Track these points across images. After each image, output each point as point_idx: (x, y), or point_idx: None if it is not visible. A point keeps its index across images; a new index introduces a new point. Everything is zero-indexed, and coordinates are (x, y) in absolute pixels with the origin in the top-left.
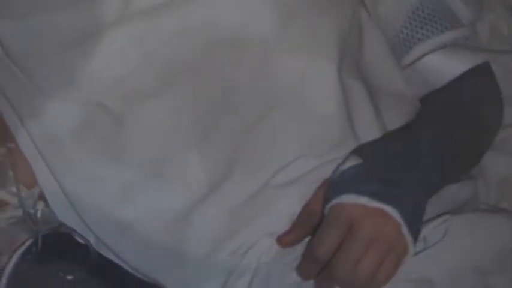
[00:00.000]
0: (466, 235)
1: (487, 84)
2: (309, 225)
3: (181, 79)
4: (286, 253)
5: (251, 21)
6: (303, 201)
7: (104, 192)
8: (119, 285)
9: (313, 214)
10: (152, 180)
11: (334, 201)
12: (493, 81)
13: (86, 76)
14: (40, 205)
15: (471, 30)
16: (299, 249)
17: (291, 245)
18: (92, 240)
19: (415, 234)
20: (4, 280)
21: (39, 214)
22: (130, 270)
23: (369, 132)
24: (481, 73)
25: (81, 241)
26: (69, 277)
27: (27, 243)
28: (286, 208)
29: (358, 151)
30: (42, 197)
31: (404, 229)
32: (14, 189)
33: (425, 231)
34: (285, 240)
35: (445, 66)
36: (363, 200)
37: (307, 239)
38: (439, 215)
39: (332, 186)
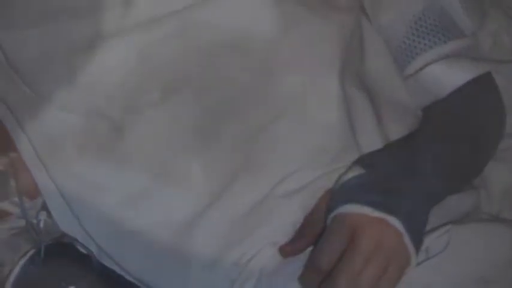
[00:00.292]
0: (468, 245)
1: (489, 94)
2: (312, 235)
3: (183, 88)
4: (288, 263)
5: (253, 24)
6: (306, 211)
7: (106, 201)
8: None
9: (315, 224)
10: (154, 190)
11: (336, 211)
12: (495, 91)
13: (87, 85)
14: (43, 215)
15: (473, 40)
16: (301, 258)
17: (294, 254)
18: (94, 250)
19: (418, 244)
20: None
21: (41, 224)
22: (133, 280)
23: (371, 141)
24: (483, 83)
25: (84, 251)
26: (72, 287)
27: (30, 253)
28: (288, 218)
29: (361, 161)
30: (44, 207)
31: (407, 239)
32: (16, 200)
33: (427, 241)
34: (287, 250)
35: (447, 76)
36: (366, 210)
37: (309, 249)
38: (441, 225)
39: (334, 196)
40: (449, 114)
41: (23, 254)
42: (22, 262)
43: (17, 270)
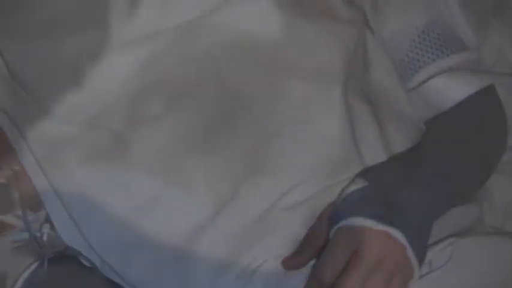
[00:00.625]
0: (471, 258)
1: (491, 107)
2: (315, 248)
3: (187, 95)
4: (291, 276)
5: (260, 32)
6: (309, 223)
7: (110, 212)
8: None
9: (318, 237)
10: (159, 202)
11: (339, 224)
12: (497, 104)
13: (91, 99)
14: (46, 228)
15: (476, 53)
16: (304, 272)
17: (297, 267)
18: (97, 262)
19: (421, 257)
20: None
21: (45, 237)
22: None
23: (374, 154)
24: (486, 96)
25: (87, 264)
26: None
27: (33, 266)
28: (291, 230)
29: (364, 174)
30: (48, 220)
31: (410, 252)
32: (20, 212)
33: (430, 254)
34: (290, 263)
35: (450, 89)
36: (369, 223)
37: (312, 262)
38: (444, 238)
39: (337, 209)
40: (452, 128)
41: (26, 266)
42: (25, 275)
43: (20, 282)
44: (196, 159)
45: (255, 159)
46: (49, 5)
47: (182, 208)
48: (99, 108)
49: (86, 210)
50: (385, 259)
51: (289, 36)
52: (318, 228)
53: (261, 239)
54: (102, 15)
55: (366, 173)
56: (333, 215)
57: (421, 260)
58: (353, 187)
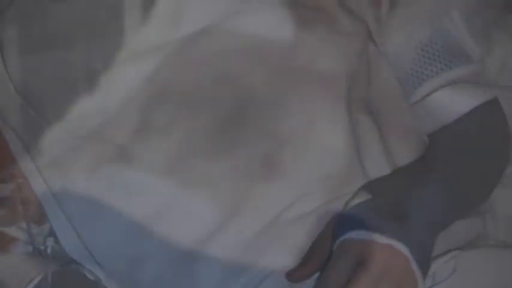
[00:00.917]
0: (475, 271)
1: (495, 120)
2: (318, 260)
3: (195, 107)
4: None
5: (270, 35)
6: (312, 236)
7: (114, 229)
8: None
9: (322, 249)
10: (163, 216)
11: (343, 237)
12: (501, 117)
13: (97, 112)
14: (50, 241)
15: (480, 66)
16: (308, 284)
17: (300, 280)
18: (101, 276)
19: (425, 270)
20: None
21: (49, 250)
22: None
23: (378, 167)
24: (489, 109)
25: (91, 277)
26: None
27: (37, 279)
28: (295, 243)
29: (367, 187)
30: (52, 233)
31: (414, 265)
32: (24, 225)
33: (434, 267)
34: (294, 275)
35: (454, 102)
36: (373, 236)
37: (316, 275)
38: (448, 251)
39: (341, 222)
40: (455, 141)
41: (30, 280)
42: None
43: None
44: (206, 165)
45: (265, 166)
46: (62, 16)
47: (184, 224)
48: (105, 122)
49: (90, 225)
50: (389, 272)
51: (297, 45)
52: (321, 241)
53: (265, 251)
54: (114, 26)
55: (370, 185)
56: (336, 227)
57: (425, 273)
58: (357, 200)
